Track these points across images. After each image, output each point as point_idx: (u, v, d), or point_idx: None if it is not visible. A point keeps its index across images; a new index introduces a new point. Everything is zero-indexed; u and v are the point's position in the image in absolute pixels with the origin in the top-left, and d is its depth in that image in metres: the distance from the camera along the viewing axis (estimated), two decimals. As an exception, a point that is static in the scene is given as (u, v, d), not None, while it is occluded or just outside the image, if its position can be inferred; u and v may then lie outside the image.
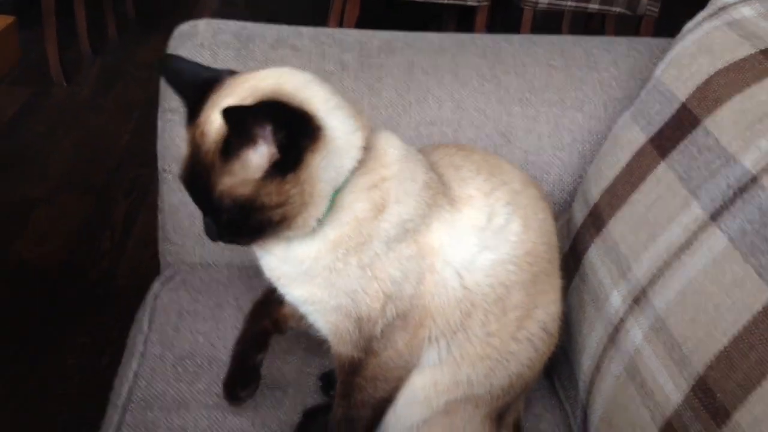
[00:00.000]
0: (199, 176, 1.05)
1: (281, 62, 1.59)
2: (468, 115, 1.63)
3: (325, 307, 1.12)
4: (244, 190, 1.02)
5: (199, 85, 1.09)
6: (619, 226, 1.30)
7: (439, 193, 1.13)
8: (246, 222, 1.04)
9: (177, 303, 1.53)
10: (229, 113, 0.96)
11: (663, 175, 1.25)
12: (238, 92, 1.05)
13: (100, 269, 2.81)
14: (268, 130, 0.99)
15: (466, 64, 1.66)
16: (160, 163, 1.63)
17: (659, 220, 1.21)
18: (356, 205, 1.07)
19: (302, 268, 1.10)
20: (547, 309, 1.21)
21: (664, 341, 1.12)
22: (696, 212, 1.15)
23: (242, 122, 0.98)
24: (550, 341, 1.23)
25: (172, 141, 1.60)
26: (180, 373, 1.39)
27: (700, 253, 1.12)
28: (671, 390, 1.08)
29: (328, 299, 1.11)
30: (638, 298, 1.19)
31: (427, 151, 1.22)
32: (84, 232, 2.99)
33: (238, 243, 1.10)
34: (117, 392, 1.37)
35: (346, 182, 1.07)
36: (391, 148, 1.12)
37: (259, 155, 1.01)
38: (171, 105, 1.60)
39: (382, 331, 1.12)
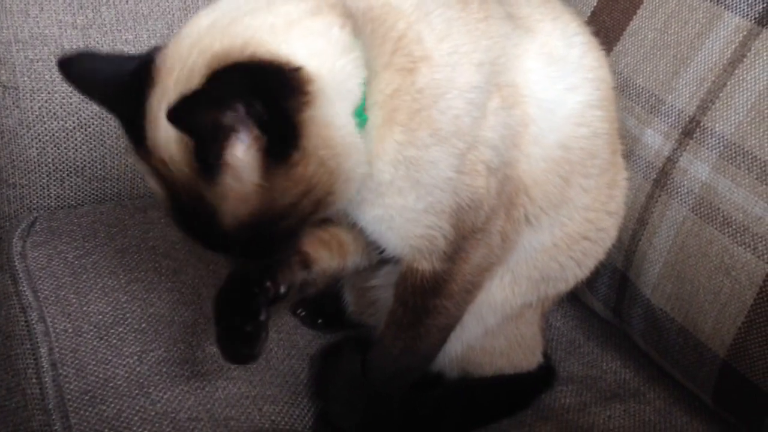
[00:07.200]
0: (197, 215, 0.73)
1: None
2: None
3: (409, 218, 0.82)
4: (249, 206, 0.71)
5: (126, 89, 0.73)
6: (625, 60, 1.12)
7: (496, 12, 0.85)
8: (273, 235, 0.75)
9: (58, 258, 1.10)
10: (176, 116, 0.63)
11: (664, -8, 1.11)
12: (179, 76, 0.71)
13: None
14: (240, 110, 0.67)
15: None
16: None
17: (683, 41, 1.06)
18: (382, 87, 0.77)
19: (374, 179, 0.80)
20: (624, 174, 1.03)
21: (748, 166, 0.97)
22: (734, 22, 1.02)
23: (200, 119, 0.65)
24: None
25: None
26: (115, 345, 0.99)
27: (760, 63, 0.99)
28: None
29: (414, 203, 0.81)
30: (690, 130, 1.03)
31: None
32: None
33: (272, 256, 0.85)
34: (36, 394, 0.93)
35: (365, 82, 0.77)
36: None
37: (244, 148, 0.69)
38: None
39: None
